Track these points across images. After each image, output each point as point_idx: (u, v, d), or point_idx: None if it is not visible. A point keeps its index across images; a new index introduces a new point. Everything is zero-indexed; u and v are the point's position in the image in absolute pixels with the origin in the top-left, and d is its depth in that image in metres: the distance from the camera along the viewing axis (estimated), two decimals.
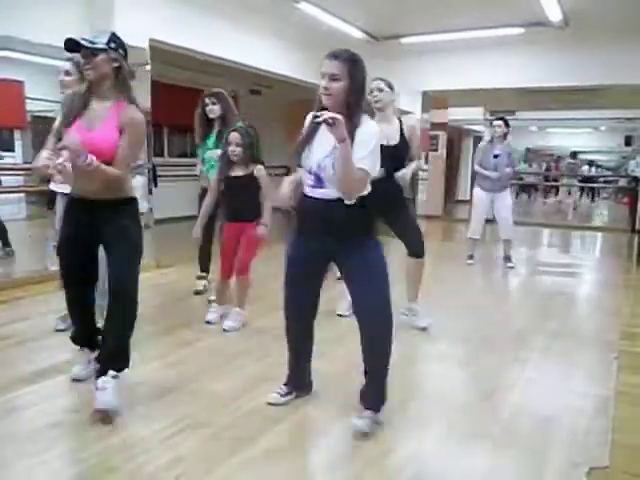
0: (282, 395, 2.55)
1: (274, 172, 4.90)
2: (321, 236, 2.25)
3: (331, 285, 3.24)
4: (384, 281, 2.26)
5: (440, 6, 6.54)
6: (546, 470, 2.08)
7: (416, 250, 3.62)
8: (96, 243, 2.48)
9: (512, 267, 5.95)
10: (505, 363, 3.18)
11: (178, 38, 5.80)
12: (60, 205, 3.23)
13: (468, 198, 10.64)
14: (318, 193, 2.22)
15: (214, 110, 4.09)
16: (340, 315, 3.81)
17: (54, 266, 5.33)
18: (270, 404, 2.50)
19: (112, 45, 2.35)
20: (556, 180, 16.02)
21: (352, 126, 2.07)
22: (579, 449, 2.23)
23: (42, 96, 9.17)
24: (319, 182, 2.21)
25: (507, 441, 2.28)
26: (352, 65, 2.12)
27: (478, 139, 15.20)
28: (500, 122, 5.99)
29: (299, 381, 2.61)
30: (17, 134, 9.79)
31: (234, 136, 3.45)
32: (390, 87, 3.56)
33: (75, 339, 2.73)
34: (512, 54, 7.97)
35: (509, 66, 8.03)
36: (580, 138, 21.41)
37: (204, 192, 4.38)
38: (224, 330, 3.53)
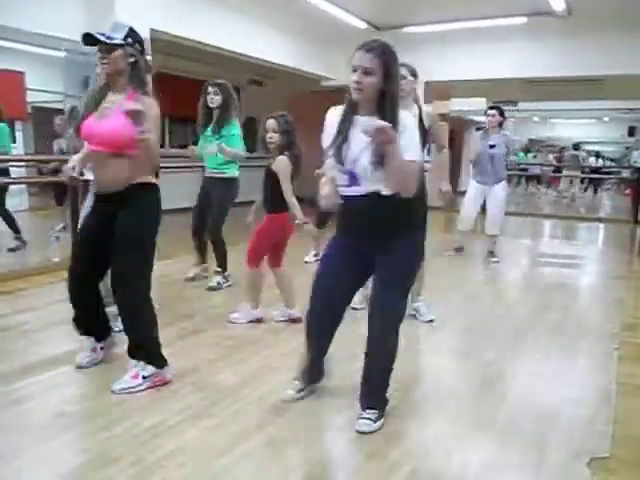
0: (297, 391, 2.51)
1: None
2: (360, 235, 2.20)
3: None
4: (404, 286, 2.23)
5: None
6: (547, 461, 2.09)
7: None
8: (110, 231, 2.50)
9: (497, 262, 5.76)
10: (506, 355, 3.18)
11: (179, 29, 5.79)
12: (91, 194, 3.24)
13: None
14: (355, 190, 2.14)
15: (215, 100, 4.10)
16: (354, 308, 3.76)
17: (57, 257, 5.37)
18: (285, 402, 2.46)
19: (129, 40, 2.39)
20: (560, 171, 15.91)
21: (393, 120, 2.00)
22: (580, 440, 2.24)
23: (43, 87, 9.15)
24: (353, 179, 2.13)
25: (508, 432, 2.29)
26: (386, 58, 2.04)
27: (480, 129, 15.14)
28: (494, 111, 5.72)
29: (313, 376, 2.55)
30: (18, 125, 9.78)
31: (270, 123, 3.27)
32: (414, 74, 3.45)
33: (77, 324, 2.76)
34: (515, 44, 7.93)
35: (512, 56, 7.99)
36: (583, 129, 21.34)
37: (206, 181, 4.41)
38: (229, 322, 3.51)
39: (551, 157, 18.07)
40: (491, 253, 5.89)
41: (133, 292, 2.52)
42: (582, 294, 4.93)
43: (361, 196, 2.14)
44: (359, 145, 2.08)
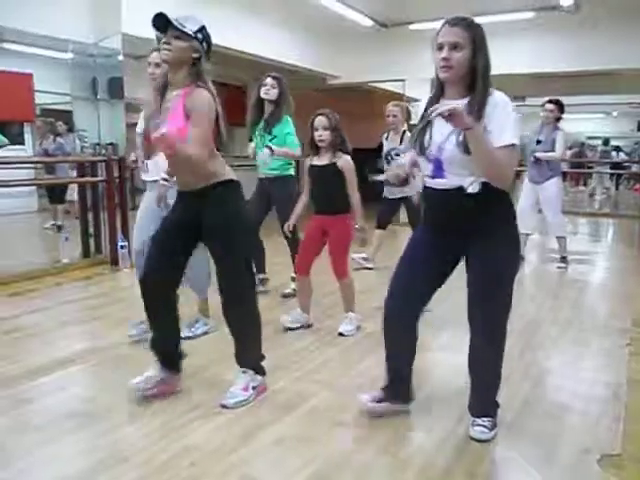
0: (377, 401, 2.30)
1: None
2: (445, 231, 2.06)
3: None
4: (502, 291, 2.08)
5: None
6: (557, 457, 2.08)
7: None
8: (193, 237, 2.42)
9: (564, 268, 5.33)
10: (516, 351, 3.17)
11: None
12: (148, 193, 3.23)
13: None
14: (438, 184, 2.00)
15: (271, 93, 3.91)
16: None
17: (66, 258, 5.41)
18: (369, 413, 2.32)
19: (199, 36, 2.25)
20: (584, 167, 15.55)
21: (481, 101, 1.85)
22: (591, 436, 2.23)
23: (50, 89, 9.20)
24: (439, 170, 1.97)
25: (518, 428, 2.28)
26: (475, 31, 1.88)
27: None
28: (551, 105, 5.13)
29: (398, 389, 2.32)
30: (27, 127, 9.84)
31: (320, 120, 3.17)
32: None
33: (155, 347, 2.51)
34: (522, 39, 7.87)
35: (519, 51, 7.92)
36: (592, 123, 21.16)
37: (261, 183, 4.17)
38: (339, 334, 3.30)
39: (568, 153, 17.83)
40: (564, 259, 5.41)
41: (241, 297, 2.42)
42: (592, 290, 4.90)
43: (443, 190, 1.99)
44: (445, 130, 1.90)
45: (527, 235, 5.28)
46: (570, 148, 17.12)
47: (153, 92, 2.41)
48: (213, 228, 2.36)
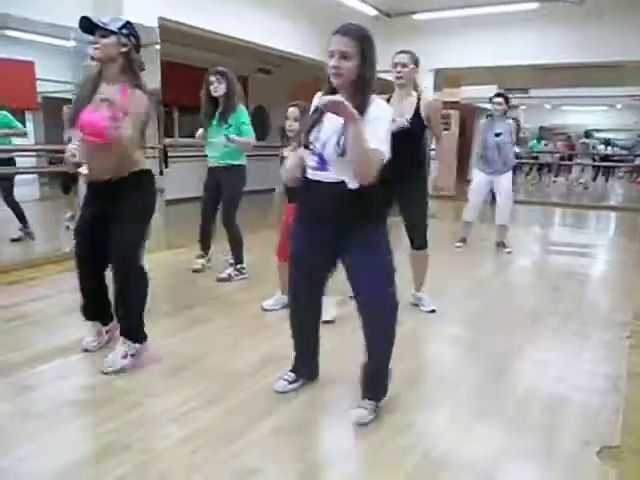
0: (290, 382, 2.51)
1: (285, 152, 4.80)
2: (322, 223, 2.15)
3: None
4: (385, 275, 2.16)
5: None
6: (557, 449, 2.09)
7: (420, 245, 3.57)
8: (108, 220, 2.57)
9: (509, 252, 5.67)
10: (516, 343, 3.17)
11: (187, 17, 5.75)
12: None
13: None
14: (320, 176, 2.11)
15: (219, 89, 4.04)
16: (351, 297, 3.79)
17: (68, 247, 5.41)
18: (277, 392, 2.46)
19: (124, 31, 2.45)
20: (570, 159, 15.72)
21: (362, 106, 1.97)
22: (590, 428, 2.24)
23: (52, 77, 9.17)
24: (322, 163, 2.09)
25: (518, 421, 2.29)
26: (364, 42, 2.00)
27: (491, 117, 14.97)
28: (499, 99, 5.53)
29: (306, 368, 2.56)
30: (28, 115, 9.82)
31: (292, 111, 3.20)
32: (415, 62, 3.39)
33: (85, 312, 2.86)
34: (526, 30, 7.82)
35: (523, 42, 7.88)
36: (595, 116, 21.07)
37: (212, 172, 4.35)
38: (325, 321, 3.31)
39: (559, 145, 17.85)
40: (502, 244, 5.80)
41: (133, 265, 2.62)
42: (593, 283, 4.89)
43: (326, 183, 2.10)
44: (331, 129, 2.04)
45: (471, 223, 5.89)
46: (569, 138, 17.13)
47: (85, 81, 2.66)
48: (131, 211, 2.57)
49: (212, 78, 4.04)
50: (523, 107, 18.70)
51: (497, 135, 5.50)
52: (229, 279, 4.31)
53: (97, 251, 2.65)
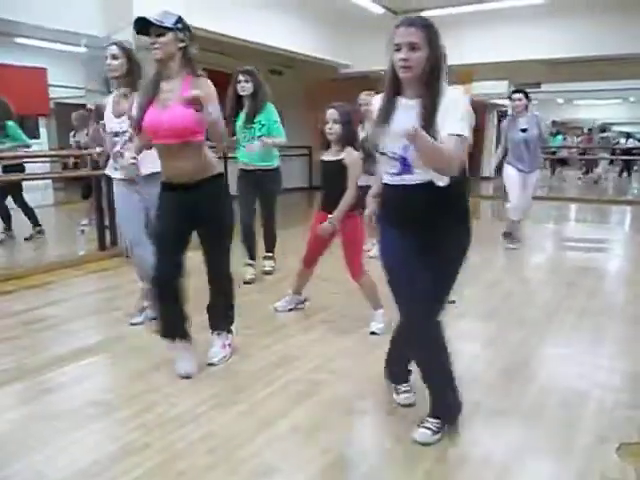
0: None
1: (296, 152, 4.82)
2: (414, 227, 2.03)
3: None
4: (446, 290, 2.11)
5: None
6: (575, 445, 2.07)
7: None
8: (189, 228, 2.60)
9: (513, 248, 5.57)
10: (533, 340, 3.15)
11: (197, 20, 5.77)
12: (117, 189, 3.26)
13: (493, 175, 10.46)
14: (405, 180, 1.98)
15: (246, 88, 4.01)
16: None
17: (83, 251, 5.48)
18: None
19: (179, 26, 2.42)
20: (587, 153, 15.47)
21: (435, 97, 1.88)
22: (608, 425, 2.22)
23: (64, 83, 9.29)
24: (406, 167, 1.96)
25: (535, 417, 2.28)
26: (431, 31, 1.91)
27: (503, 114, 14.87)
28: (519, 95, 5.43)
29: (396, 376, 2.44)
30: (42, 121, 9.95)
31: (331, 113, 3.06)
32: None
33: (165, 332, 2.64)
34: (536, 24, 7.75)
35: (533, 37, 7.82)
36: (608, 109, 20.84)
37: (246, 174, 4.28)
38: (371, 333, 3.18)
39: (577, 140, 17.64)
40: (508, 234, 5.72)
41: (228, 275, 2.76)
42: (608, 278, 4.85)
43: (414, 185, 1.97)
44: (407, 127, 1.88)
45: (519, 221, 5.74)
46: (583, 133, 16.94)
47: (146, 85, 2.59)
48: (211, 219, 2.59)
49: (240, 77, 4.01)
50: (535, 102, 18.54)
51: (523, 131, 5.36)
52: (271, 271, 4.45)
53: (180, 252, 2.59)
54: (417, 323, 2.10)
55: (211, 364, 2.74)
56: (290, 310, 3.58)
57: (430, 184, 1.96)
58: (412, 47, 1.89)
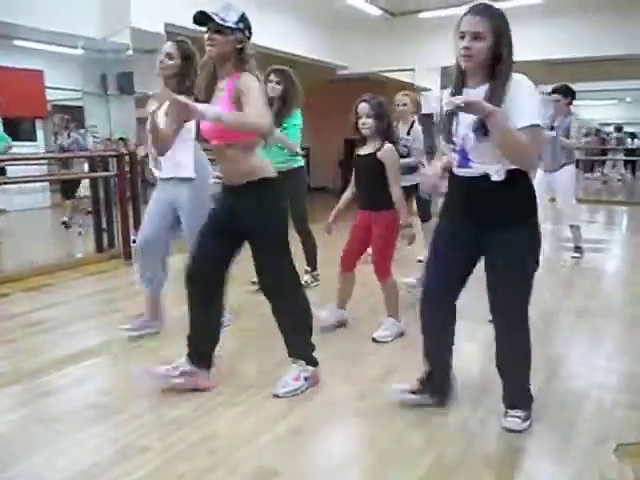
0: (411, 392, 2.32)
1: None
2: (465, 218, 2.07)
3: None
4: (522, 274, 2.10)
5: None
6: (573, 446, 2.08)
7: None
8: (236, 236, 2.41)
9: (578, 257, 5.24)
10: (531, 340, 3.15)
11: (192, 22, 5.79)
12: (159, 191, 3.16)
13: None
14: (464, 172, 2.02)
15: (276, 89, 3.81)
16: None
17: (80, 253, 5.47)
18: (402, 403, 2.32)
19: (240, 25, 2.23)
20: (601, 154, 15.48)
21: (502, 88, 1.86)
22: (605, 425, 2.22)
23: (61, 85, 9.27)
24: (465, 159, 1.99)
25: (533, 418, 2.27)
26: (498, 20, 1.89)
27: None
28: (556, 95, 5.17)
29: (437, 383, 2.34)
30: (39, 123, 9.93)
31: (363, 107, 2.96)
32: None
33: (190, 340, 2.51)
34: (532, 25, 7.75)
35: (529, 38, 7.79)
36: (605, 110, 20.89)
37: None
38: (374, 340, 3.09)
39: (584, 140, 17.60)
40: (577, 248, 5.32)
41: (281, 293, 2.46)
42: (606, 278, 4.86)
43: (469, 178, 2.01)
44: (468, 120, 1.92)
45: (575, 227, 5.34)
46: (587, 135, 16.94)
47: (163, 83, 2.54)
48: (256, 227, 2.37)
49: (272, 76, 3.83)
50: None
51: (552, 128, 5.09)
52: (306, 286, 3.87)
53: (212, 264, 2.43)
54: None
55: (275, 395, 2.44)
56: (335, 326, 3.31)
57: (486, 177, 1.95)
58: (476, 36, 1.87)
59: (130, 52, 5.58)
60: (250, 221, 2.36)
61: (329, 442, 2.15)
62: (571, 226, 5.36)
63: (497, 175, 1.94)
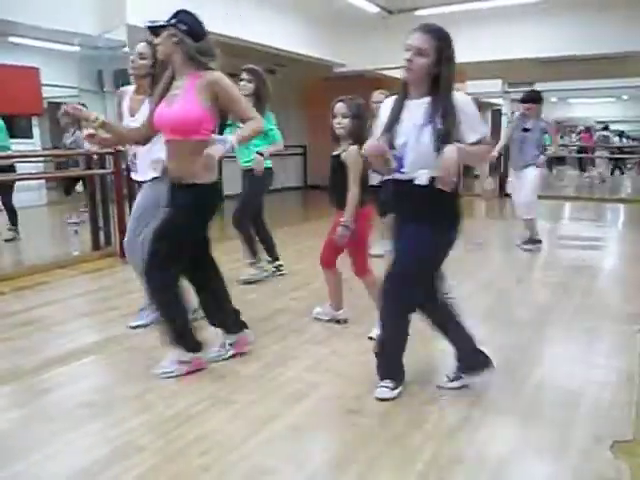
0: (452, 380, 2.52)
1: (290, 151, 4.79)
2: (402, 217, 2.32)
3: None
4: (414, 255, 2.25)
5: None
6: (570, 444, 2.08)
7: None
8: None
9: (529, 250, 5.50)
10: (528, 339, 3.16)
11: None
12: (145, 191, 3.21)
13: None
14: (398, 175, 2.22)
15: (247, 87, 3.85)
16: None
17: (77, 251, 5.45)
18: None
19: (172, 21, 2.36)
20: (586, 152, 15.54)
21: (446, 104, 2.08)
22: (603, 423, 2.23)
23: (57, 82, 9.22)
24: (400, 165, 2.19)
25: (530, 416, 2.28)
26: (443, 42, 2.09)
27: (497, 112, 14.91)
28: (528, 105, 5.38)
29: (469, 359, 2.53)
30: (35, 121, 9.88)
31: (340, 106, 2.97)
32: None
33: (205, 311, 2.79)
34: (529, 23, 7.78)
35: (526, 36, 7.84)
36: (602, 108, 20.91)
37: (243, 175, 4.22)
38: (370, 338, 3.04)
39: (574, 138, 17.69)
40: (529, 241, 5.57)
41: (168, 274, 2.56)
42: (603, 276, 4.87)
43: (402, 181, 2.22)
44: (407, 129, 2.15)
45: (532, 219, 5.58)
46: (579, 133, 17.00)
47: (135, 82, 2.78)
48: (178, 207, 2.51)
49: (243, 75, 3.88)
50: None
51: (525, 130, 5.39)
52: (272, 275, 4.38)
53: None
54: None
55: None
56: (328, 321, 3.37)
57: (412, 182, 2.17)
58: (419, 52, 2.07)
59: (126, 49, 5.56)
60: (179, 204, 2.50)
61: (325, 441, 2.15)
62: (525, 220, 5.57)
63: (419, 180, 2.16)
